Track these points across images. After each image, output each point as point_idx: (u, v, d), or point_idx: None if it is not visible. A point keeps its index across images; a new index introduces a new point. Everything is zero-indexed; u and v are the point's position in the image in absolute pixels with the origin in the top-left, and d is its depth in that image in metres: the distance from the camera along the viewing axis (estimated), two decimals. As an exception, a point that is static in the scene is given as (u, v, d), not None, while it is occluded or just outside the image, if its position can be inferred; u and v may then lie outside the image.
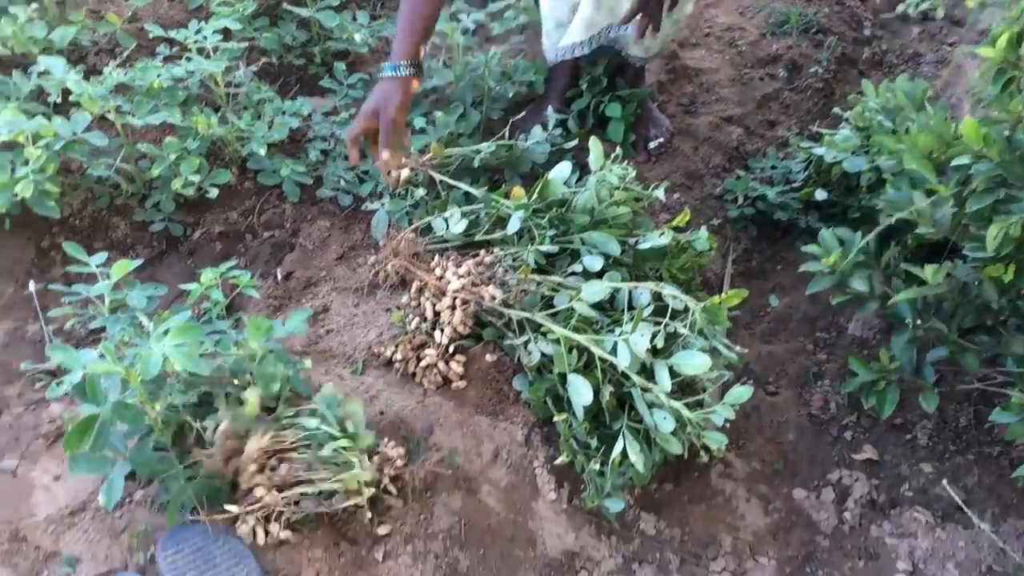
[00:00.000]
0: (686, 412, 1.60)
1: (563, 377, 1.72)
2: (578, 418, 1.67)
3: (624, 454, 1.60)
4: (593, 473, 1.66)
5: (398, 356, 1.89)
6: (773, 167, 2.43)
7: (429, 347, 1.89)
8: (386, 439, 1.72)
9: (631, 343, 1.63)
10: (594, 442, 1.69)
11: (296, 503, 1.55)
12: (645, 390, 1.65)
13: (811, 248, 1.85)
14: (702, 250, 1.94)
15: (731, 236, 2.30)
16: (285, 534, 1.53)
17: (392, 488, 1.64)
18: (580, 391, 1.66)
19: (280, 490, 1.55)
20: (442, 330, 1.88)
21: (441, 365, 1.86)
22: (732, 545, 1.71)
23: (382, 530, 1.60)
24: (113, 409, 1.43)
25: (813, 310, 2.12)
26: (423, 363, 1.86)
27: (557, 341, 1.72)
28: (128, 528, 1.57)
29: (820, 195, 2.22)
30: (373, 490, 1.60)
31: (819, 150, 2.23)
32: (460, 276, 1.88)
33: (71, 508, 1.60)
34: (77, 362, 1.44)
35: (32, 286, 1.90)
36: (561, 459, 1.70)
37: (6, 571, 1.50)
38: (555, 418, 1.72)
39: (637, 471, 1.61)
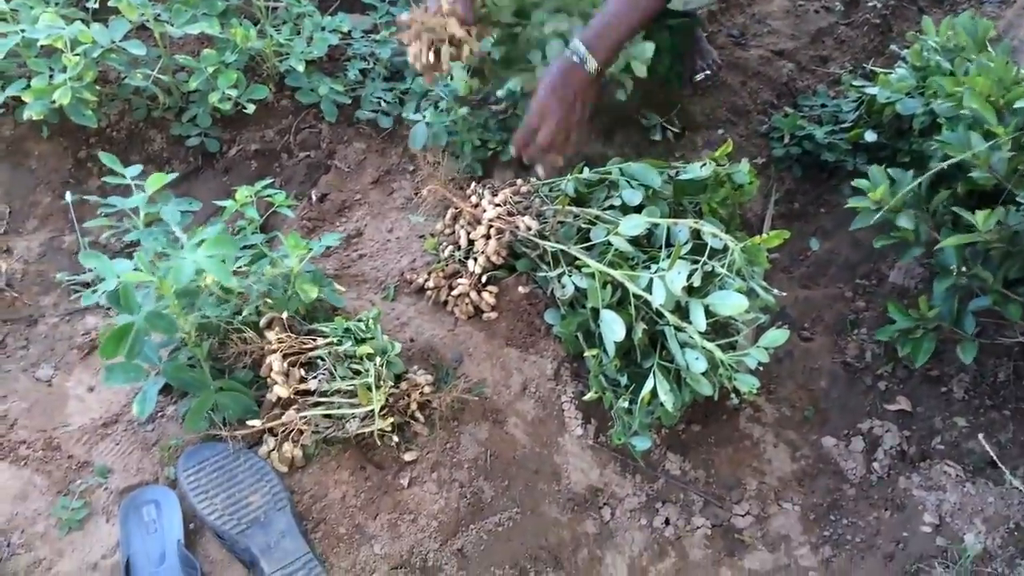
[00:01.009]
0: (719, 353, 1.56)
1: (596, 312, 1.68)
2: (609, 355, 1.64)
3: (654, 393, 1.57)
4: (621, 411, 1.63)
5: (430, 284, 1.86)
6: (823, 105, 2.33)
7: (462, 276, 1.86)
8: (415, 366, 1.71)
9: (667, 281, 1.58)
10: (624, 380, 1.65)
11: (317, 426, 1.55)
12: (679, 329, 1.60)
13: (859, 183, 1.77)
14: (742, 183, 1.87)
15: (775, 176, 2.22)
16: (298, 453, 1.53)
17: (419, 415, 1.64)
18: (612, 327, 1.62)
19: (300, 405, 1.55)
20: (475, 259, 1.85)
21: (473, 295, 1.83)
22: (757, 489, 1.69)
23: (408, 456, 1.59)
24: (147, 319, 1.42)
25: (855, 255, 2.06)
26: (455, 292, 1.84)
27: (591, 276, 1.68)
28: (159, 442, 1.58)
29: (870, 136, 2.13)
30: (391, 415, 1.59)
31: (872, 89, 2.13)
32: (496, 205, 1.84)
33: (104, 419, 1.61)
34: (111, 270, 1.43)
35: (69, 196, 1.88)
36: (590, 395, 1.67)
37: (40, 478, 1.52)
38: (585, 353, 1.69)
39: (666, 411, 1.58)
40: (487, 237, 1.84)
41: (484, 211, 1.84)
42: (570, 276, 1.74)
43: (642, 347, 1.66)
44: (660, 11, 1.73)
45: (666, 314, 1.59)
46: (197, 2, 2.12)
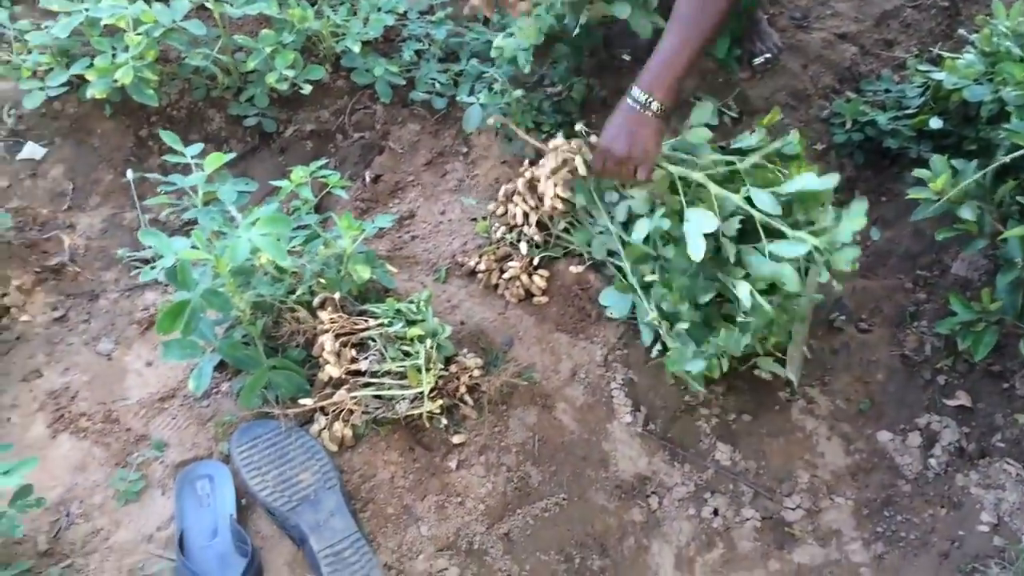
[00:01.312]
0: (811, 240, 1.52)
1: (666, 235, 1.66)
2: (697, 252, 1.55)
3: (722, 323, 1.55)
4: (680, 334, 1.61)
5: (481, 267, 1.85)
6: (887, 91, 2.25)
7: (513, 259, 1.85)
8: (465, 349, 1.70)
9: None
10: (685, 308, 1.63)
11: (367, 406, 1.55)
12: (769, 232, 1.56)
13: (920, 172, 1.72)
14: (791, 154, 1.80)
15: (835, 163, 2.16)
16: (348, 433, 1.54)
17: (468, 399, 1.63)
18: (701, 221, 1.56)
19: (351, 386, 1.56)
20: (530, 225, 1.85)
21: (524, 278, 1.82)
22: (809, 482, 1.66)
23: (457, 439, 1.59)
24: (203, 295, 1.44)
25: (916, 246, 1.99)
26: (506, 275, 1.83)
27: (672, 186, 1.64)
28: (214, 418, 1.60)
29: (935, 123, 2.05)
30: (440, 397, 1.59)
31: (938, 75, 2.05)
32: (557, 146, 1.82)
33: (161, 394, 1.64)
34: (169, 248, 1.45)
35: (130, 174, 1.91)
36: (652, 316, 1.66)
37: (99, 449, 1.56)
38: (647, 277, 1.69)
39: (736, 338, 1.55)
40: (553, 172, 1.80)
41: (543, 165, 1.83)
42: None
43: (722, 258, 1.62)
44: (716, 38, 1.69)
45: (763, 212, 1.56)
46: (256, -18, 2.13)
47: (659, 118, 1.61)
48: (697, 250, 1.55)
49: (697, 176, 1.62)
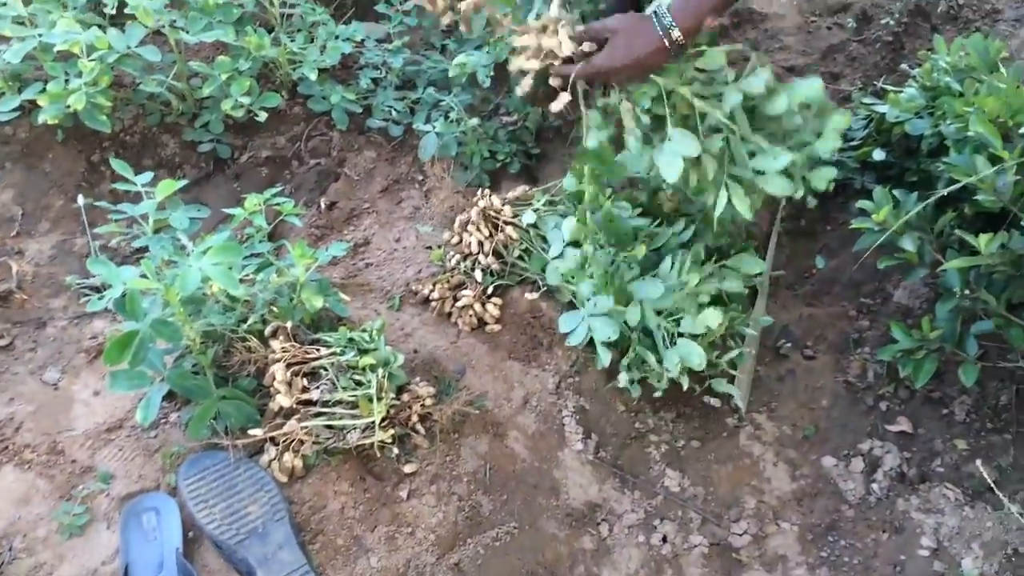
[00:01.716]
0: (790, 154, 1.50)
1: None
2: (673, 174, 1.50)
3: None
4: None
5: (435, 295, 1.85)
6: (832, 123, 2.29)
7: (467, 288, 1.84)
8: (417, 378, 1.70)
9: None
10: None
11: (318, 436, 1.54)
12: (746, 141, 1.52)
13: (864, 203, 1.75)
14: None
15: (782, 192, 2.19)
16: (298, 463, 1.52)
17: (420, 427, 1.63)
18: (683, 142, 1.50)
19: (302, 415, 1.54)
20: (484, 256, 1.84)
21: (477, 307, 1.82)
22: (755, 508, 1.67)
23: (408, 468, 1.58)
24: (152, 326, 1.42)
25: (860, 275, 2.02)
26: (460, 303, 1.82)
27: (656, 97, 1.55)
28: (162, 449, 1.57)
29: (878, 155, 2.08)
30: (391, 426, 1.59)
31: (882, 108, 2.09)
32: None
33: (108, 425, 1.60)
34: (117, 277, 1.43)
35: (81, 200, 1.88)
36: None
37: (43, 482, 1.52)
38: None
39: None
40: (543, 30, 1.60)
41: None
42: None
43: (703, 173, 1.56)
44: None
45: (736, 121, 1.52)
46: (213, 9, 2.11)
47: (671, 50, 1.49)
48: (673, 172, 1.50)
49: (683, 90, 1.53)
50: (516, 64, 1.60)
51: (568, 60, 1.56)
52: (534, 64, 1.57)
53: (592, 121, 1.63)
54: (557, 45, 1.56)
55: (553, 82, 1.60)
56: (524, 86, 1.60)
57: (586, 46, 1.54)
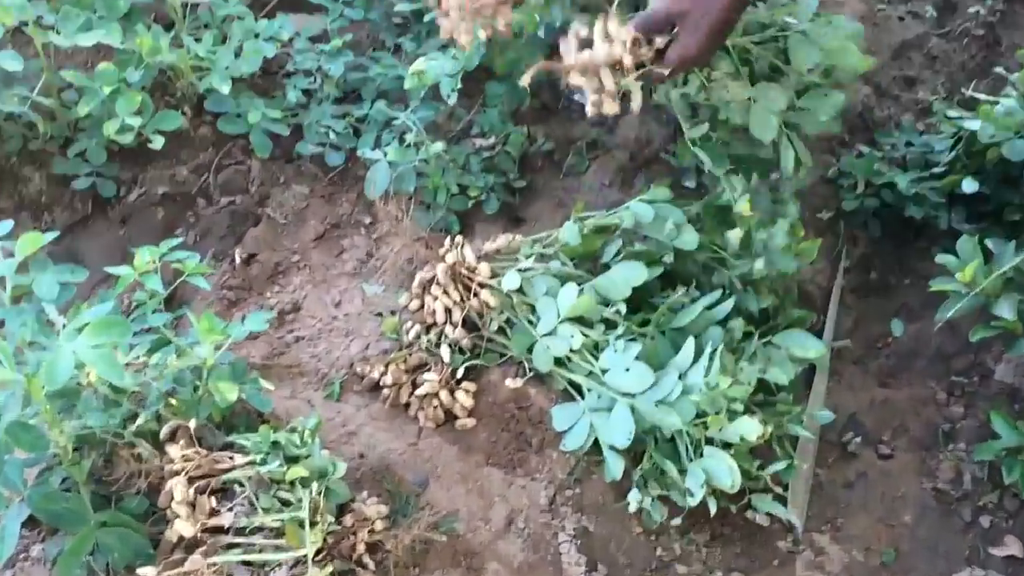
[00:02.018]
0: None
1: None
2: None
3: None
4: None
5: (388, 379, 1.87)
6: (908, 144, 2.34)
7: (430, 369, 1.86)
8: (365, 493, 1.70)
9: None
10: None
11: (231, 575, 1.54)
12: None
13: (944, 259, 1.78)
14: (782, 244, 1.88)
15: (845, 235, 2.24)
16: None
17: (369, 560, 1.62)
18: (769, 95, 1.77)
19: (209, 548, 1.54)
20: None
21: (444, 395, 1.83)
22: (819, 663, 1.68)
23: (353, 619, 1.58)
24: (8, 431, 1.42)
25: (950, 344, 2.05)
26: (420, 391, 1.84)
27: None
28: (20, 595, 1.57)
29: (968, 186, 2.13)
30: (330, 560, 1.58)
31: (972, 124, 2.14)
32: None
33: (-53, 564, 1.59)
34: (-42, 366, 1.43)
35: (-85, 258, 1.88)
36: None
37: None
38: None
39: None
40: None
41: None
42: None
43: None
44: None
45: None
46: (92, 2, 2.15)
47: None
48: (770, 130, 1.77)
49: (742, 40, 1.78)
50: (575, 81, 1.68)
51: (640, 64, 1.65)
52: (608, 80, 1.65)
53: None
54: (623, 51, 1.64)
55: (577, 82, 1.68)
56: (597, 104, 1.68)
57: (658, 41, 1.63)
